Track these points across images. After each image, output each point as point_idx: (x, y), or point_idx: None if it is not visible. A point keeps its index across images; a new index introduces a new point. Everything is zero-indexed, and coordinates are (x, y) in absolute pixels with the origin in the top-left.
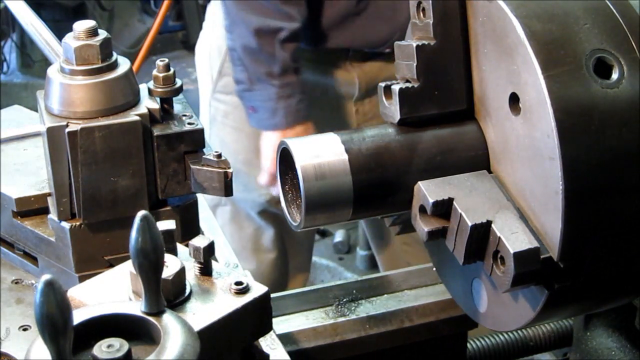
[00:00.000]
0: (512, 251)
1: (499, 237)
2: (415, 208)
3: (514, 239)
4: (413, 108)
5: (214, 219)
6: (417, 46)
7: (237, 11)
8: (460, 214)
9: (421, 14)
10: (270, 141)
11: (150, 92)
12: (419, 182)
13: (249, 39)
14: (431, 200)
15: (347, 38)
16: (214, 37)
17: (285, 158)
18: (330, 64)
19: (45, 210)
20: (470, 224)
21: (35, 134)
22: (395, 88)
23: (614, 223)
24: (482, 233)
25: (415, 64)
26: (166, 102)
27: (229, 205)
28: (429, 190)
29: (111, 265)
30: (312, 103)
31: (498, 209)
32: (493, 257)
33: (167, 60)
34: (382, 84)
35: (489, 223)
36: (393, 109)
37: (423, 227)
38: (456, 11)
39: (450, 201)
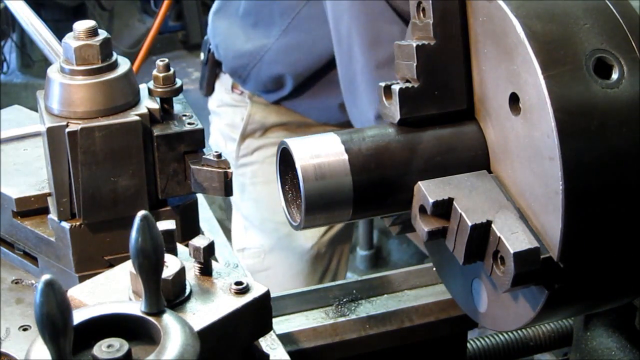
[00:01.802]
0: (512, 251)
1: (499, 237)
2: (415, 208)
3: (514, 239)
4: (413, 108)
5: (214, 219)
6: (417, 46)
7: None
8: (460, 214)
9: (421, 14)
10: None
11: (150, 92)
12: (419, 182)
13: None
14: (431, 200)
15: None
16: (228, 116)
17: (285, 158)
18: None
19: (45, 210)
20: (470, 223)
21: (35, 134)
22: (395, 88)
23: (614, 223)
24: (482, 233)
25: (415, 64)
26: (166, 102)
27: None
28: (429, 190)
29: (111, 265)
30: None
31: (498, 208)
32: (493, 257)
33: (167, 60)
34: (382, 84)
35: (489, 223)
36: (393, 109)
37: (423, 227)
38: (456, 11)
39: (450, 201)
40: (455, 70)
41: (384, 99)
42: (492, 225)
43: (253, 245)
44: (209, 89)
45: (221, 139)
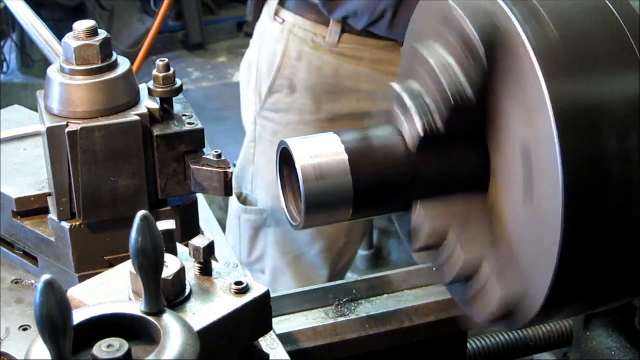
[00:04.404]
0: (497, 296)
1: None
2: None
3: (502, 282)
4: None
5: (214, 219)
6: (453, 101)
7: None
8: (455, 247)
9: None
10: None
11: (150, 92)
12: (419, 205)
13: None
14: (427, 231)
15: None
16: (265, 53)
17: (285, 158)
18: None
19: (45, 210)
20: (464, 257)
21: (35, 134)
22: (413, 133)
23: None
24: (473, 267)
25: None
26: (166, 102)
27: (273, 227)
28: (427, 216)
29: (111, 265)
30: None
31: (491, 245)
32: (478, 291)
33: (167, 60)
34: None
35: (481, 259)
36: (410, 132)
37: (415, 244)
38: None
39: (445, 230)
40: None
41: (402, 117)
42: (484, 263)
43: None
44: (257, 13)
45: (264, 67)
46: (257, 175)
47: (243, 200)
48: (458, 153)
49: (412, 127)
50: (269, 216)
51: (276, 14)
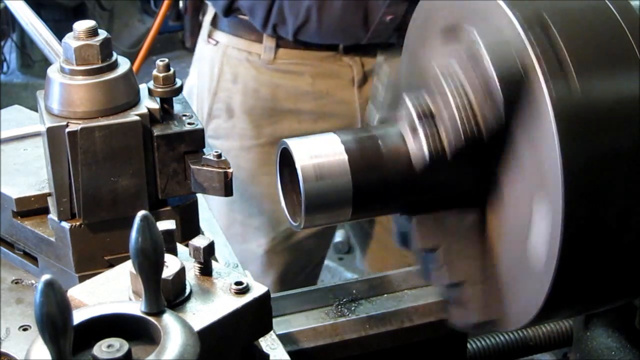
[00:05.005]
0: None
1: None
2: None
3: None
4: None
5: (214, 219)
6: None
7: None
8: (441, 266)
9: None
10: None
11: (150, 92)
12: (414, 220)
13: None
14: (418, 247)
15: None
16: (201, 78)
17: (284, 158)
18: None
19: (45, 210)
20: (448, 278)
21: (35, 134)
22: (425, 151)
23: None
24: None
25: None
26: (166, 102)
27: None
28: (420, 234)
29: (111, 265)
30: None
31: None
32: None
33: (167, 60)
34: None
35: (466, 279)
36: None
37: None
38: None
39: (436, 247)
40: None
41: (410, 134)
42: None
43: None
44: (194, 39)
45: (205, 92)
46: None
47: None
48: (460, 170)
49: (419, 149)
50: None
51: (209, 35)
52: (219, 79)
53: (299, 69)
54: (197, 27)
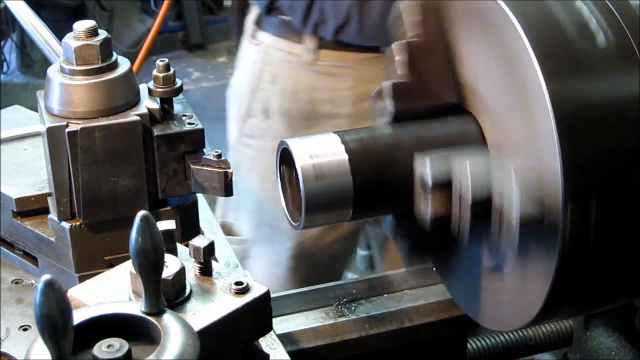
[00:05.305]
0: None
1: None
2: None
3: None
4: (405, 102)
5: (214, 219)
6: (401, 44)
7: None
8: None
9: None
10: None
11: (150, 92)
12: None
13: None
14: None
15: None
16: (244, 77)
17: (285, 158)
18: None
19: (45, 210)
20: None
21: (35, 134)
22: (387, 84)
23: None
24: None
25: (402, 60)
26: (166, 102)
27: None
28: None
29: (111, 265)
30: None
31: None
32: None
33: (167, 60)
34: (375, 89)
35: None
36: (387, 105)
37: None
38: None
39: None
40: (440, 65)
41: (377, 100)
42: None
43: (237, 232)
44: (239, 37)
45: (245, 91)
46: (239, 204)
47: (227, 230)
48: (455, 142)
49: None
50: (252, 247)
51: (252, 35)
52: (259, 79)
53: (340, 71)
54: (242, 26)
